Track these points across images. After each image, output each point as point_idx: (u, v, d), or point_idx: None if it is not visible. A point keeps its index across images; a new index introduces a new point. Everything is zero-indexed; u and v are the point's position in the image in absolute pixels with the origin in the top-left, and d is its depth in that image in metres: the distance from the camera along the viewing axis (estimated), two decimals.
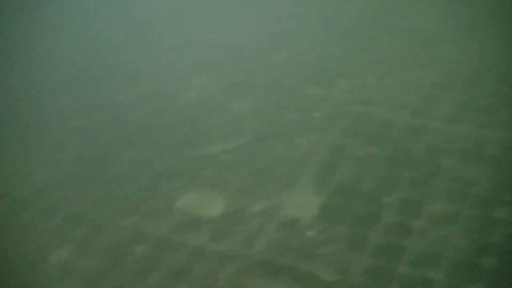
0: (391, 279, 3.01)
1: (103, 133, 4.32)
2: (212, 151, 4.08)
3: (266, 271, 3.11)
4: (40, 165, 4.05)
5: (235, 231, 3.36)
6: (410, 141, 3.94)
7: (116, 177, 3.84)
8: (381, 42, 5.19)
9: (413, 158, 3.79)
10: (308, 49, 5.22)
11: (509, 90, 4.31)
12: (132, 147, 4.12)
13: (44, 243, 3.40)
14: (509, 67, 4.55)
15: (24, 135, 4.39)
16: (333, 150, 3.95)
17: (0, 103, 4.85)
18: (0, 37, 5.79)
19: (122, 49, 5.51)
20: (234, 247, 3.26)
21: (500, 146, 3.81)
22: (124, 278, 3.12)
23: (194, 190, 3.71)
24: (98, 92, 4.85)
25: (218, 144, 4.13)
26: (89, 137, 4.28)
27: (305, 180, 3.74)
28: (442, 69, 4.67)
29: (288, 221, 3.43)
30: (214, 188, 3.72)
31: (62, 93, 4.89)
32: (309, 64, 4.97)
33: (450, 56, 4.80)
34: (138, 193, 3.70)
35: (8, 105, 4.79)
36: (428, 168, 3.70)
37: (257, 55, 5.23)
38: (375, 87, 4.53)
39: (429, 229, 3.26)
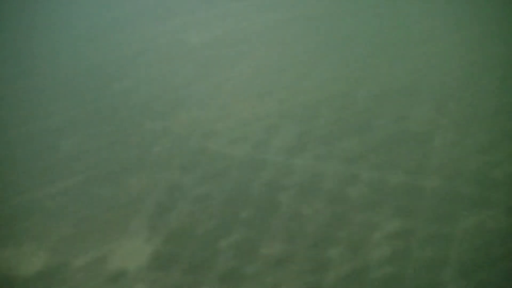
0: None
1: None
2: (35, 195, 3.74)
3: None
4: None
5: None
6: (249, 178, 3.81)
7: None
8: (224, 70, 5.10)
9: (252, 196, 3.66)
10: (150, 79, 4.98)
11: (348, 118, 4.34)
12: None
13: None
14: (347, 96, 4.58)
15: None
16: (169, 190, 3.74)
17: None
18: None
19: None
20: None
21: (337, 179, 3.80)
22: None
23: (10, 245, 3.37)
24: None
25: (41, 188, 3.81)
26: None
27: (137, 226, 3.49)
28: (283, 98, 4.60)
29: (116, 274, 3.16)
30: (34, 240, 3.39)
31: None
32: (149, 94, 4.73)
33: (290, 84, 4.77)
34: None
35: None
36: (266, 206, 3.60)
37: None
38: (218, 118, 4.37)
39: (264, 274, 3.14)
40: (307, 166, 3.90)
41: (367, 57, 4.98)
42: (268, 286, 3.02)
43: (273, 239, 3.35)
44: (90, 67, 5.12)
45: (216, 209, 3.58)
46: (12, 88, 4.97)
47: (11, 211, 3.61)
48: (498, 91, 4.52)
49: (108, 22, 5.83)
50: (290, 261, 3.20)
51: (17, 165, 4.02)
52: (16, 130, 4.41)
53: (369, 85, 4.64)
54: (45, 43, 5.46)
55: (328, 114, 4.35)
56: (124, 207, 3.63)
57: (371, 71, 4.81)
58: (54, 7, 6.18)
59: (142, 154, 4.06)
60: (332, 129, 4.18)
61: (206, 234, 3.39)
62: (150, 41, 5.48)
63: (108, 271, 3.16)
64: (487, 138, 4.09)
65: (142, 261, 3.21)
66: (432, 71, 4.85)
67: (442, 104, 4.39)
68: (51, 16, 5.91)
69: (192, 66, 5.08)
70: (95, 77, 4.99)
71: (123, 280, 3.11)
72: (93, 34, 5.58)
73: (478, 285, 3.02)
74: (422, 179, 3.75)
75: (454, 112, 4.31)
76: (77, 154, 4.12)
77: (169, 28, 5.69)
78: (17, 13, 5.88)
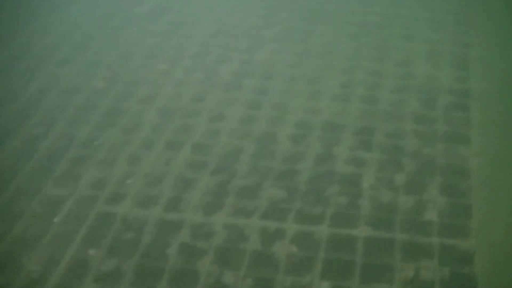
0: None
1: None
2: None
3: None
4: None
5: None
6: (163, 243, 3.42)
7: None
8: (132, 115, 4.62)
9: (167, 265, 3.27)
10: (43, 132, 4.38)
11: (270, 168, 3.97)
12: None
13: None
14: (260, 152, 4.28)
15: None
16: (71, 268, 3.31)
17: None
18: None
19: None
20: None
21: (257, 233, 3.46)
22: None
23: None
24: None
25: None
26: None
27: None
28: (195, 147, 4.18)
29: None
30: None
31: None
32: (46, 151, 4.15)
33: (200, 131, 4.35)
34: None
35: None
36: (183, 277, 3.22)
37: None
38: (126, 175, 3.92)
39: None
40: (226, 223, 3.57)
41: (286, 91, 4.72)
42: None
43: None
44: None
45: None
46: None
47: None
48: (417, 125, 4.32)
49: None
50: None
51: None
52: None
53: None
54: None
55: (247, 160, 4.05)
56: None
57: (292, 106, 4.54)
58: None
59: (43, 224, 3.62)
60: (250, 182, 3.89)
61: None
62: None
63: None
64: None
65: None
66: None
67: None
68: None
69: None
70: None
71: None
72: None
73: None
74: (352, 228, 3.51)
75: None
76: None
77: None
78: None
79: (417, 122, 4.25)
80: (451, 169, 3.85)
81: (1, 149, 4.15)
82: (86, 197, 3.73)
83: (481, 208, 3.57)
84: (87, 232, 3.50)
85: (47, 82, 4.82)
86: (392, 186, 3.75)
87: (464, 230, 3.44)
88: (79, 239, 3.45)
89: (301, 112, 4.37)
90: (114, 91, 4.64)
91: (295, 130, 4.21)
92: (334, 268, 3.25)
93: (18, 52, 5.21)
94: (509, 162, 3.87)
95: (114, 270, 3.27)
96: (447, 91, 4.55)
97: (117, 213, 3.62)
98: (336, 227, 3.48)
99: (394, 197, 3.67)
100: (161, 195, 3.72)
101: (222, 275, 3.22)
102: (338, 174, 3.84)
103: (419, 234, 3.42)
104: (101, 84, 4.74)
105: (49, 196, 3.77)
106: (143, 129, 4.25)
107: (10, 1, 5.57)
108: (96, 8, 5.74)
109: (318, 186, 3.76)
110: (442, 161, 3.91)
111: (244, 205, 3.64)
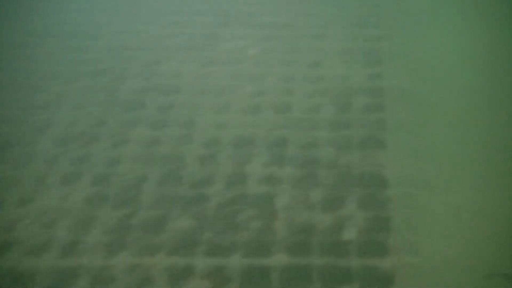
0: None
1: None
2: None
3: None
4: None
5: None
6: None
7: None
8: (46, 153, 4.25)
9: None
10: None
11: (177, 195, 3.64)
12: None
13: None
14: (166, 178, 3.96)
15: None
16: None
17: None
18: None
19: None
20: None
21: (164, 272, 3.14)
22: None
23: None
24: None
25: None
26: None
27: None
28: (94, 178, 3.80)
29: None
30: None
31: None
32: None
33: (100, 160, 3.99)
34: None
35: None
36: None
37: None
38: (16, 218, 3.52)
39: None
40: (129, 264, 3.22)
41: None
42: None
43: None
44: None
45: None
46: None
47: None
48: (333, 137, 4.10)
49: None
50: None
51: None
52: None
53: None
54: None
55: (152, 189, 3.70)
56: None
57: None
58: None
59: None
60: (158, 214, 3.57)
61: None
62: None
63: None
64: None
65: None
66: None
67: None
68: None
69: None
70: None
71: None
72: None
73: None
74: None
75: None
76: None
77: None
78: None
79: (332, 129, 4.02)
80: (368, 179, 3.63)
81: None
82: None
83: (399, 222, 3.39)
84: None
85: None
86: (308, 204, 3.51)
87: (384, 248, 3.23)
88: None
89: (209, 128, 4.08)
90: (4, 119, 4.24)
91: (203, 150, 3.91)
92: None
93: None
94: (425, 165, 3.70)
95: None
96: (362, 91, 4.34)
97: (3, 266, 3.26)
98: (250, 256, 3.21)
99: (311, 217, 3.43)
100: (56, 239, 3.36)
101: None
102: (251, 196, 3.58)
103: (338, 257, 3.18)
104: None
105: None
106: (35, 162, 3.90)
107: None
108: None
109: (230, 212, 3.49)
110: (359, 171, 3.70)
111: (149, 242, 3.33)
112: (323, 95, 4.31)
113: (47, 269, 3.20)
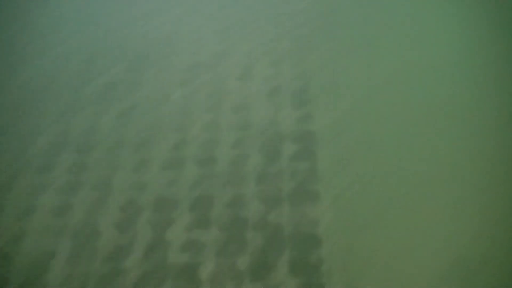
0: None
1: None
2: None
3: None
4: None
5: None
6: None
7: None
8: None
9: None
10: None
11: (89, 272, 3.21)
12: None
13: None
14: (77, 252, 3.58)
15: None
16: None
17: None
18: None
19: None
20: None
21: None
22: None
23: None
24: None
25: None
26: None
27: None
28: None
29: None
30: None
31: None
32: None
33: (1, 235, 3.63)
34: None
35: None
36: None
37: None
38: None
39: None
40: None
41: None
42: None
43: None
44: None
45: None
46: None
47: None
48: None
49: None
50: None
51: None
52: None
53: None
54: None
55: (61, 266, 3.28)
56: None
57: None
58: None
59: None
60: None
61: None
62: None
63: None
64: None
65: None
66: None
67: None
68: None
69: None
70: None
71: None
72: None
73: None
74: None
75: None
76: None
77: None
78: None
79: (260, 181, 3.73)
80: (300, 238, 3.33)
81: None
82: None
83: (335, 285, 3.11)
84: None
85: None
86: (235, 272, 3.20)
87: None
88: None
89: (127, 190, 3.73)
90: None
91: (120, 215, 3.55)
92: None
93: None
94: (360, 215, 3.44)
95: None
96: (290, 137, 4.08)
97: None
98: None
99: (238, 287, 3.13)
100: None
101: None
102: (172, 266, 3.24)
103: None
104: None
105: None
106: None
107: None
108: None
109: (149, 287, 3.15)
110: (290, 229, 3.41)
111: None
112: (250, 143, 4.02)
113: None
